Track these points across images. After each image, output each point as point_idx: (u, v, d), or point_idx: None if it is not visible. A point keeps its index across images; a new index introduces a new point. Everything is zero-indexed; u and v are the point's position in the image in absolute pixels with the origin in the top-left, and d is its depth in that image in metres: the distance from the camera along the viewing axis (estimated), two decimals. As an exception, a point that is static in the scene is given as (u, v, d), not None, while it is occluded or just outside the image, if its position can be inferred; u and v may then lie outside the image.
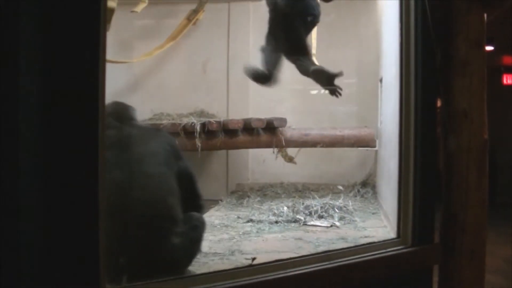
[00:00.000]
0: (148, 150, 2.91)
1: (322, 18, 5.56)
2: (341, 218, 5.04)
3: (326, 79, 4.81)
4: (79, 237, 1.94)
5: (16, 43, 1.81)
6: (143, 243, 2.75)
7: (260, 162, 6.95)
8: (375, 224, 4.90)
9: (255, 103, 7.04)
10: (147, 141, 2.94)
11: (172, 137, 3.18)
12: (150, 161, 2.90)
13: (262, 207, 5.62)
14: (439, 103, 3.33)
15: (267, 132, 6.08)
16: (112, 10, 3.34)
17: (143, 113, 6.46)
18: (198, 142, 5.70)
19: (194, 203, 3.12)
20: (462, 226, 3.13)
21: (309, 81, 6.22)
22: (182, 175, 3.02)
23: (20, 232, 1.81)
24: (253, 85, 7.02)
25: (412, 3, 3.22)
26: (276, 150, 6.26)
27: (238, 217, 5.25)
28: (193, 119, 5.89)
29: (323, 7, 5.37)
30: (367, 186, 6.54)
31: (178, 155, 3.07)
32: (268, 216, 5.12)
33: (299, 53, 4.90)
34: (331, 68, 5.58)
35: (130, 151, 2.80)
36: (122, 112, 3.08)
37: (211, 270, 3.09)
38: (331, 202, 5.39)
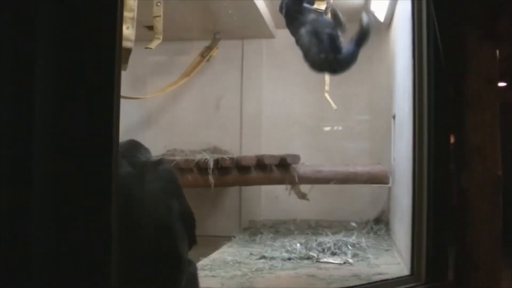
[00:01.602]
0: (148, 191, 2.77)
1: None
2: (354, 255, 5.01)
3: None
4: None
5: (30, 85, 1.84)
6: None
7: (273, 198, 6.94)
8: (389, 261, 4.86)
9: (268, 139, 7.07)
10: (145, 180, 2.80)
11: (172, 172, 3.04)
12: (150, 205, 2.77)
13: (274, 243, 5.59)
14: (452, 140, 3.33)
15: (280, 169, 6.05)
16: (129, 50, 3.35)
17: (156, 149, 6.48)
18: (211, 179, 5.69)
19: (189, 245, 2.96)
20: (476, 263, 3.10)
21: (321, 117, 6.26)
22: (182, 216, 2.88)
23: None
24: (266, 121, 7.08)
25: (424, 39, 3.24)
26: (289, 186, 6.24)
27: (251, 254, 5.22)
28: (206, 156, 5.89)
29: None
30: (380, 223, 6.50)
31: (178, 193, 2.93)
32: (281, 253, 5.09)
33: None
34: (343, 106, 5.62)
35: (128, 193, 2.66)
36: (126, 150, 2.95)
37: (224, 306, 3.08)
38: (344, 239, 5.37)
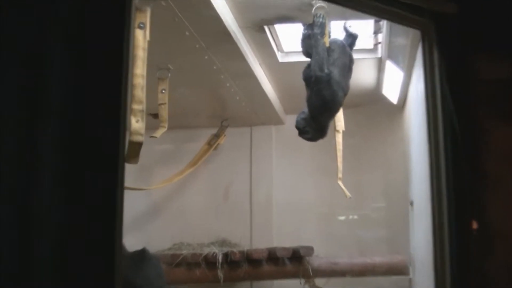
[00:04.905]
0: (146, 278, 2.79)
1: (347, 140, 5.46)
2: None
3: None
4: None
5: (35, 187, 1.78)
6: None
7: (286, 293, 6.69)
8: None
9: (280, 229, 6.92)
10: (142, 268, 2.82)
11: (158, 259, 3.06)
12: None
13: None
14: (474, 225, 3.17)
15: (293, 262, 5.88)
16: (139, 144, 3.27)
17: (163, 241, 6.32)
18: (220, 273, 5.53)
19: None
20: None
21: (335, 205, 6.07)
22: None
23: None
24: (277, 210, 6.92)
25: (440, 121, 3.13)
26: (303, 280, 6.01)
27: None
28: (215, 249, 5.73)
29: (347, 130, 5.29)
30: (401, 316, 6.23)
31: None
32: None
33: None
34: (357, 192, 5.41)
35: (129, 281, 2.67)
36: None
37: None
38: (363, 333, 5.15)
